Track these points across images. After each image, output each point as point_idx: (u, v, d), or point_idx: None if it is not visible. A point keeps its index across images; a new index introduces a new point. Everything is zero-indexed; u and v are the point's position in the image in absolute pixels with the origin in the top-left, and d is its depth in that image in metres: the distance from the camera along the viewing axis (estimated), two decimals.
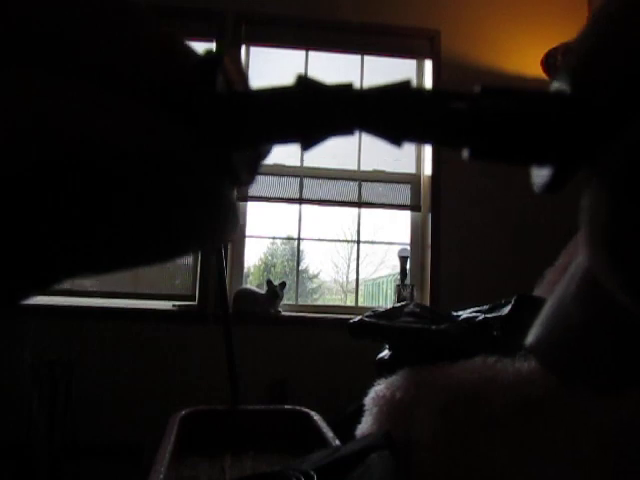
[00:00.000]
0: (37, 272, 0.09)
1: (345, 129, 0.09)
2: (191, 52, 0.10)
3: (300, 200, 2.70)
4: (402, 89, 0.09)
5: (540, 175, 0.08)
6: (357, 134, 0.10)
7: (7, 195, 0.08)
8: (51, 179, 0.08)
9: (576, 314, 0.10)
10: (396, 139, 0.09)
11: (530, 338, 0.11)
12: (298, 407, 1.19)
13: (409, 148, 2.81)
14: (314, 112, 0.09)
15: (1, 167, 0.08)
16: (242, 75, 0.10)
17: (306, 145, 0.09)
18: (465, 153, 0.09)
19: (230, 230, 0.10)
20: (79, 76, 0.09)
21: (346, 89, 0.09)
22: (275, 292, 2.43)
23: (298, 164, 2.72)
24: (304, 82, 0.09)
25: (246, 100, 0.09)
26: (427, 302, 2.54)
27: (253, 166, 0.10)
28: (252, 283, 2.77)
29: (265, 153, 0.11)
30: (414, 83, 0.09)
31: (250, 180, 0.11)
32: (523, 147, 0.08)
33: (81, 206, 0.08)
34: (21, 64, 0.09)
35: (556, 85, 0.08)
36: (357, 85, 0.09)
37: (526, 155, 0.08)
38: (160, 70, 0.09)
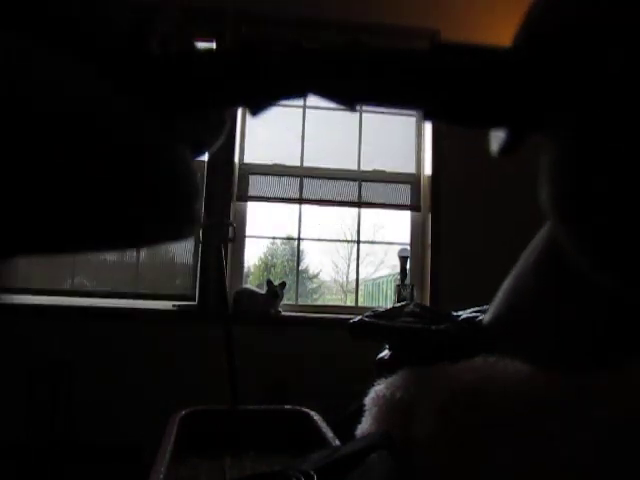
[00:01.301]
0: None
1: (294, 91, 0.08)
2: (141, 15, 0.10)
3: (300, 200, 2.70)
4: (353, 47, 0.08)
5: (497, 138, 0.08)
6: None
7: None
8: None
9: (533, 284, 0.09)
10: (349, 100, 0.08)
11: (487, 316, 0.11)
12: (298, 407, 1.19)
13: (409, 148, 2.81)
14: (260, 73, 0.08)
15: None
16: (185, 35, 0.09)
17: (254, 110, 0.08)
18: (420, 114, 0.08)
19: (191, 201, 0.10)
20: (50, 38, 0.08)
21: (294, 48, 0.08)
22: (275, 292, 2.43)
23: (298, 164, 2.72)
24: (249, 42, 0.08)
25: (185, 61, 0.08)
26: (427, 302, 2.54)
27: (214, 130, 0.10)
28: (252, 283, 2.77)
29: (226, 117, 0.10)
30: (365, 41, 0.08)
31: (210, 144, 0.10)
32: (476, 107, 0.08)
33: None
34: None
35: (513, 45, 0.08)
36: (307, 44, 0.08)
37: (479, 116, 0.08)
38: (109, 37, 0.09)
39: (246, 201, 2.65)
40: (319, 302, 2.95)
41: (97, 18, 0.10)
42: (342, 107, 0.08)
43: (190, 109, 0.09)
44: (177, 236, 0.11)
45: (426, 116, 0.08)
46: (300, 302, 2.72)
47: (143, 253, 2.55)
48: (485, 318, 0.12)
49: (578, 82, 0.06)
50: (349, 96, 0.07)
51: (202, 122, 0.10)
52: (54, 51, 0.09)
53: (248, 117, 2.73)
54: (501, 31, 2.71)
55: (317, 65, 0.07)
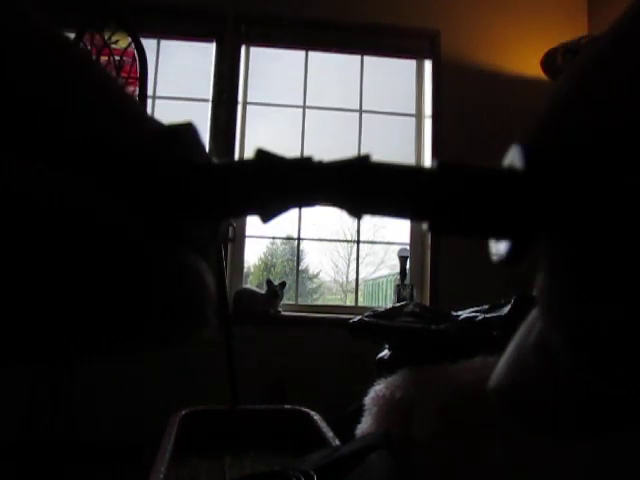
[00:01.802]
0: None
1: (306, 204, 0.09)
2: (156, 123, 0.10)
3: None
4: (361, 164, 0.09)
5: (498, 247, 0.09)
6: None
7: None
8: None
9: (533, 363, 0.10)
10: (355, 213, 0.09)
11: (492, 381, 0.12)
12: (298, 407, 1.19)
13: (409, 148, 2.81)
14: (271, 186, 0.09)
15: None
16: (202, 147, 0.10)
17: (265, 218, 0.09)
18: (425, 226, 0.09)
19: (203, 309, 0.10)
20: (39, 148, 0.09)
21: (304, 163, 0.09)
22: (275, 292, 2.43)
23: None
24: (263, 155, 0.08)
25: (204, 171, 0.08)
26: (427, 302, 2.54)
27: (219, 234, 0.10)
28: (252, 283, 2.77)
29: (227, 224, 0.10)
30: (372, 158, 0.09)
31: (213, 246, 0.10)
32: (480, 223, 0.08)
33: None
34: None
35: (509, 158, 0.08)
36: (316, 158, 0.09)
37: (483, 230, 0.08)
38: (123, 139, 0.10)
39: None
40: (319, 302, 2.95)
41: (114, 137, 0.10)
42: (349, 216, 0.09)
43: (205, 218, 0.08)
44: (188, 338, 0.11)
45: (431, 229, 0.08)
46: (300, 302, 2.72)
47: None
48: (490, 383, 0.12)
49: (577, 207, 0.06)
50: (357, 210, 0.08)
51: (210, 229, 0.10)
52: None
53: (248, 117, 2.74)
54: (501, 31, 2.72)
55: (327, 182, 0.08)
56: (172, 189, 0.08)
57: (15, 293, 0.08)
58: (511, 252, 0.08)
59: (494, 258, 0.09)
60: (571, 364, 0.08)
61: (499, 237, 0.09)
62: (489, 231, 0.08)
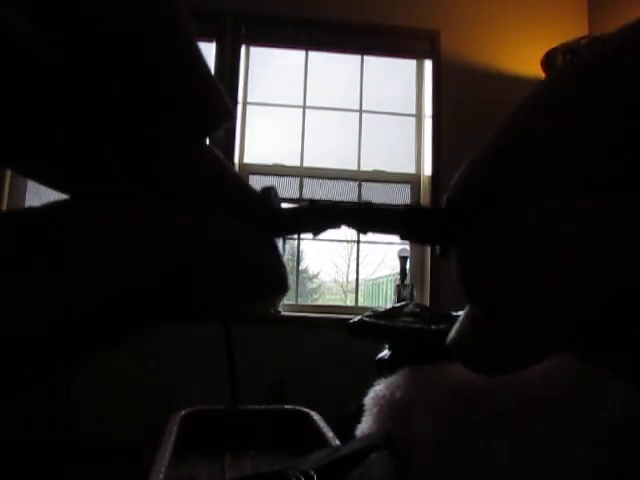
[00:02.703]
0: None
1: (334, 227, 0.16)
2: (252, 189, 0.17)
3: (300, 200, 2.70)
4: (366, 206, 0.16)
5: (437, 249, 0.16)
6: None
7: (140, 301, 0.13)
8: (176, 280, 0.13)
9: (466, 322, 0.16)
10: (363, 231, 0.16)
11: (447, 339, 0.17)
12: (298, 407, 1.19)
13: (409, 148, 2.81)
14: (321, 218, 0.16)
15: (138, 275, 0.12)
16: (278, 198, 0.17)
17: (315, 235, 0.17)
18: (397, 237, 0.16)
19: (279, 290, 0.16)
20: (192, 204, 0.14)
21: (338, 204, 0.16)
22: None
23: (298, 164, 2.72)
24: (314, 202, 0.16)
25: (286, 212, 0.17)
26: (427, 302, 2.54)
27: (283, 243, 0.17)
28: None
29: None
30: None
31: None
32: (426, 236, 0.16)
33: (197, 294, 0.14)
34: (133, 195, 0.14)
35: (447, 196, 0.15)
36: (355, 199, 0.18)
37: (427, 239, 0.16)
38: (244, 201, 0.17)
39: None
40: (319, 302, 2.95)
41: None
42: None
43: (289, 236, 0.17)
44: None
45: (402, 238, 0.16)
46: (300, 302, 2.72)
47: None
48: (447, 340, 0.17)
49: (461, 232, 0.14)
50: (363, 231, 0.16)
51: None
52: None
53: (248, 117, 2.74)
54: (501, 31, 2.72)
55: (342, 217, 0.16)
56: (275, 224, 0.17)
57: None
58: (441, 251, 0.15)
59: (436, 253, 0.16)
60: (480, 312, 0.14)
61: (436, 244, 0.16)
62: (430, 240, 0.16)
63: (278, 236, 0.17)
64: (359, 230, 0.16)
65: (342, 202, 0.17)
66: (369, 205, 0.16)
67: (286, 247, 0.17)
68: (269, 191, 0.17)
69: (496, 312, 0.14)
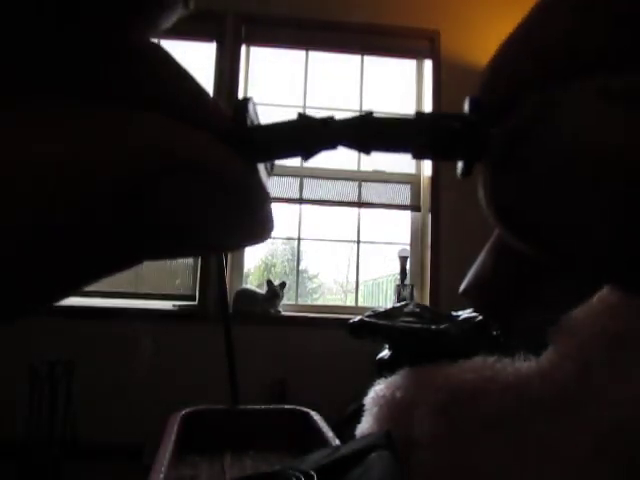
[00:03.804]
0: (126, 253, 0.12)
1: (330, 146, 0.13)
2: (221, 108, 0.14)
3: (300, 200, 2.70)
4: (365, 118, 0.13)
5: (458, 166, 0.13)
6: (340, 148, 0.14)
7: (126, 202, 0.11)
8: (159, 183, 0.11)
9: (489, 261, 0.14)
10: (363, 150, 0.13)
11: (462, 285, 0.15)
12: (298, 407, 1.19)
13: None
14: (309, 135, 0.13)
15: (125, 175, 0.11)
16: (257, 114, 0.15)
17: (306, 157, 0.13)
18: (409, 154, 0.13)
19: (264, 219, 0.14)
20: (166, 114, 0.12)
21: (330, 119, 0.13)
22: (275, 292, 2.43)
23: (298, 164, 2.72)
24: (303, 116, 0.13)
25: (265, 129, 0.14)
26: (427, 302, 2.54)
27: (269, 170, 0.15)
28: (252, 283, 2.77)
29: (274, 162, 0.15)
30: (379, 112, 0.13)
31: (267, 180, 0.15)
32: (444, 151, 0.13)
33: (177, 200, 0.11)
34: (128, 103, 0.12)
35: (465, 106, 0.13)
36: (340, 116, 0.13)
37: (447, 155, 0.13)
38: (215, 115, 0.14)
39: None
40: (319, 302, 2.95)
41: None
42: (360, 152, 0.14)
43: (268, 159, 0.14)
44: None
45: (414, 156, 0.13)
46: (300, 302, 2.72)
47: None
48: (461, 287, 0.15)
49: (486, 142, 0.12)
50: (365, 148, 0.13)
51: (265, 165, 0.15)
52: None
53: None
54: (501, 31, 2.71)
55: (345, 131, 0.13)
56: (249, 142, 0.13)
57: None
58: (465, 167, 0.13)
59: (457, 173, 0.13)
60: (506, 234, 0.12)
61: (459, 158, 0.13)
62: (452, 155, 0.13)
63: (259, 160, 0.14)
64: (360, 148, 0.13)
65: (336, 117, 0.14)
66: (369, 116, 0.13)
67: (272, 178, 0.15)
68: (245, 104, 0.14)
69: (539, 236, 0.11)
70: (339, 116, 0.13)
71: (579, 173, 0.10)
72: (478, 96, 0.12)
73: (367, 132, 0.13)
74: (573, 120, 0.10)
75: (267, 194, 0.14)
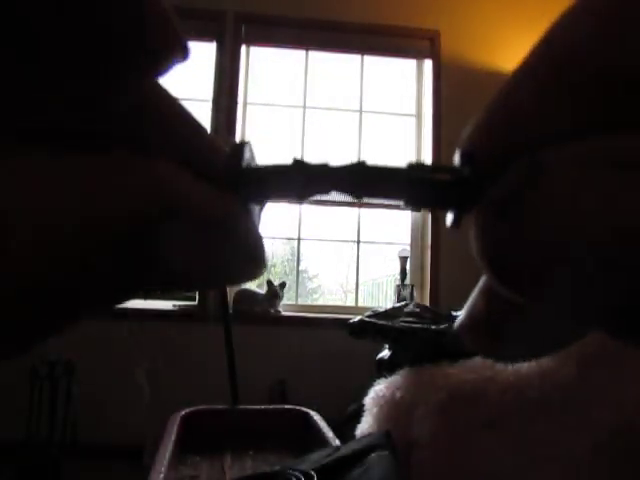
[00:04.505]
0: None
1: (321, 191, 0.14)
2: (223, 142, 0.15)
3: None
4: (358, 167, 0.13)
5: (448, 216, 0.14)
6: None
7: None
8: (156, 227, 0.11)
9: (481, 302, 0.14)
10: (355, 196, 0.14)
11: (456, 323, 0.16)
12: (298, 407, 1.19)
13: (409, 148, 2.81)
14: (303, 180, 0.14)
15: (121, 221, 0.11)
16: (253, 156, 0.15)
17: (299, 200, 0.14)
18: (401, 203, 0.14)
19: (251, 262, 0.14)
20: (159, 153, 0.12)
21: (323, 165, 0.14)
22: (275, 292, 2.43)
23: None
24: (298, 161, 0.14)
25: (260, 172, 0.14)
26: (427, 302, 2.54)
27: (261, 210, 0.15)
28: (252, 283, 2.77)
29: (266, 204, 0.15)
30: (368, 162, 0.14)
31: (259, 219, 0.15)
32: (435, 202, 0.14)
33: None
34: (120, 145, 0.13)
35: (455, 156, 0.13)
36: (336, 162, 0.14)
37: (438, 206, 0.14)
38: (212, 155, 0.14)
39: None
40: (319, 302, 2.95)
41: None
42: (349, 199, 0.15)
43: (262, 201, 0.15)
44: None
45: (406, 205, 0.14)
46: (300, 302, 2.72)
47: None
48: (455, 325, 0.15)
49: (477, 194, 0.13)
50: (357, 194, 0.14)
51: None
52: None
53: (248, 117, 2.74)
54: (501, 31, 2.72)
55: (339, 179, 0.14)
56: (243, 184, 0.14)
57: None
58: (455, 219, 0.14)
59: (447, 224, 0.14)
60: (496, 283, 0.12)
61: (449, 209, 0.14)
62: (444, 205, 0.14)
63: (254, 201, 0.14)
64: (353, 195, 0.14)
65: (330, 164, 0.14)
66: (362, 164, 0.13)
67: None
68: (242, 147, 0.14)
69: (526, 290, 0.12)
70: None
71: (573, 240, 0.10)
72: (470, 149, 0.12)
73: (360, 181, 0.14)
74: (565, 189, 0.10)
75: (260, 235, 0.14)
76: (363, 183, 0.13)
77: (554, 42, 0.12)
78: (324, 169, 0.14)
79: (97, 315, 0.13)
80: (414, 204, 0.14)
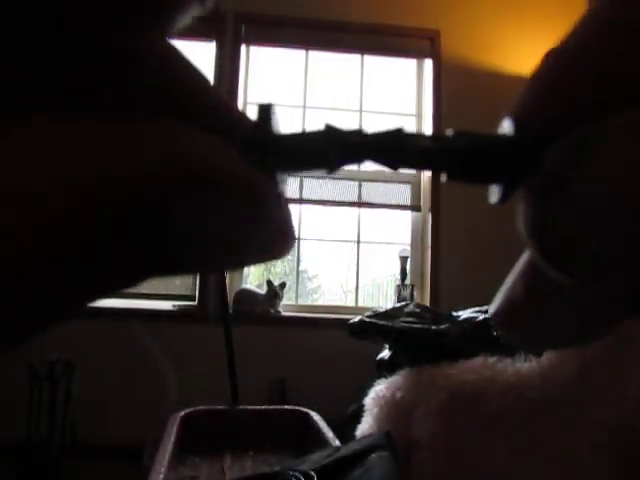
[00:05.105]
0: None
1: (355, 160, 0.13)
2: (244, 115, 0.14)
3: (300, 200, 2.70)
4: (397, 133, 0.12)
5: (493, 191, 0.13)
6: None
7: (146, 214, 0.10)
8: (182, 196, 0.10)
9: (520, 287, 0.13)
10: (392, 166, 0.12)
11: (491, 308, 0.15)
12: (298, 407, 1.19)
13: None
14: (336, 148, 0.12)
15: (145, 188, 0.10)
16: (278, 121, 0.14)
17: (329, 171, 0.13)
18: (443, 177, 0.12)
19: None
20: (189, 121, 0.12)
21: (357, 131, 0.13)
22: (275, 292, 2.43)
23: None
24: (330, 127, 0.12)
25: (290, 139, 0.13)
26: (427, 302, 2.54)
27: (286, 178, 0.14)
28: (252, 283, 2.77)
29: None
30: (407, 126, 0.12)
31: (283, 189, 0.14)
32: (483, 173, 0.12)
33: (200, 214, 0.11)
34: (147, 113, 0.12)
35: (504, 125, 0.12)
36: (367, 129, 0.13)
37: (485, 178, 0.12)
38: (235, 121, 0.13)
39: None
40: (319, 302, 2.95)
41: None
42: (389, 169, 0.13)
43: (290, 170, 0.13)
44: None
45: (448, 178, 0.12)
46: (300, 302, 2.72)
47: None
48: (490, 310, 0.14)
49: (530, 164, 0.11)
50: (393, 164, 0.12)
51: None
52: None
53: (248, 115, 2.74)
54: (501, 31, 2.71)
55: (372, 145, 0.12)
56: (271, 151, 0.12)
57: None
58: (503, 193, 0.12)
59: (491, 200, 0.13)
60: (544, 265, 0.11)
61: (493, 183, 0.12)
62: (488, 179, 0.12)
63: (282, 171, 0.13)
64: (389, 164, 0.13)
65: (364, 130, 0.13)
66: (400, 131, 0.12)
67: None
68: (268, 110, 0.13)
69: (579, 272, 0.11)
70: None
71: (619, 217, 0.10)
72: (521, 116, 0.11)
73: (398, 149, 0.12)
74: (625, 156, 0.10)
75: (289, 209, 0.13)
76: (401, 153, 0.12)
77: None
78: (359, 136, 0.12)
79: (102, 294, 0.12)
80: (459, 176, 0.12)
